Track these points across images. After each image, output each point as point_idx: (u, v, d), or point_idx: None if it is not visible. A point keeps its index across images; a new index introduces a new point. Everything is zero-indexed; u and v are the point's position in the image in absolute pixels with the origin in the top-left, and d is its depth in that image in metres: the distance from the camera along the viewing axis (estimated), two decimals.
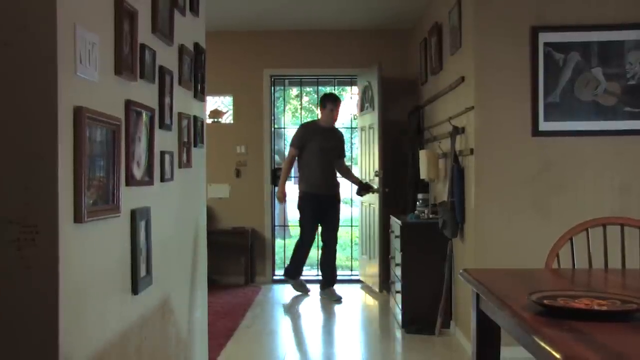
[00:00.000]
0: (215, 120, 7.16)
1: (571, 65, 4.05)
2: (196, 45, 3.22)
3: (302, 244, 6.24)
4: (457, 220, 4.41)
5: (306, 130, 6.26)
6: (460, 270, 2.36)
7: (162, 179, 2.58)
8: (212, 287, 6.29)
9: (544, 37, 4.05)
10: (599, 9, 4.06)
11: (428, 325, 4.75)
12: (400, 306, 4.99)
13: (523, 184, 4.08)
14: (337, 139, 6.31)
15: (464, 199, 4.37)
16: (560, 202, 4.06)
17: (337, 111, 6.23)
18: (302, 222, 6.23)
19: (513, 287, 2.08)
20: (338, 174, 6.37)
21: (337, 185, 6.30)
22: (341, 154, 6.34)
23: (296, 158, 6.28)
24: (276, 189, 7.33)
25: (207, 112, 7.09)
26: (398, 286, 5.07)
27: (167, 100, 2.62)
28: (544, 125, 4.07)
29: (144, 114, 2.30)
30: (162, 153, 2.58)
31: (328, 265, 6.29)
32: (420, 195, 5.38)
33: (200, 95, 3.32)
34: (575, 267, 2.55)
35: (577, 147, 4.08)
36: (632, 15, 4.05)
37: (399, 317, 5.00)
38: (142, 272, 2.25)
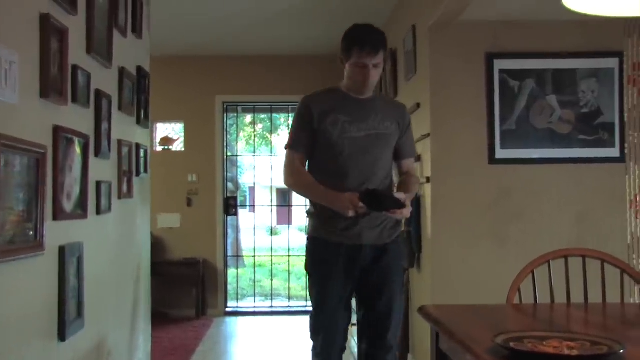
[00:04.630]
0: (166, 147, 6.95)
1: (526, 93, 4.01)
2: (139, 68, 3.05)
3: (315, 352, 2.83)
4: (413, 250, 4.30)
5: (315, 107, 2.73)
6: (418, 308, 2.22)
7: (98, 212, 2.38)
8: (161, 321, 6.05)
9: (499, 64, 4.01)
10: (553, 37, 4.04)
11: None
12: (355, 339, 4.82)
13: (480, 213, 4.00)
14: (387, 117, 2.76)
15: (421, 228, 4.26)
16: (518, 231, 3.98)
17: (372, 63, 2.63)
18: (313, 302, 2.85)
19: (475, 327, 1.94)
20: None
21: (391, 218, 2.69)
22: (403, 148, 2.84)
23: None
24: (229, 218, 7.13)
25: (157, 139, 6.90)
26: (354, 317, 4.90)
27: (104, 126, 2.44)
28: (500, 153, 4.00)
29: (76, 141, 2.12)
30: (98, 183, 2.39)
31: None
32: None
33: (144, 121, 3.15)
34: (538, 301, 2.44)
35: (534, 175, 4.02)
36: (584, 44, 4.04)
37: (354, 349, 4.82)
38: (72, 314, 2.04)
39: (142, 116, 3.12)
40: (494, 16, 3.94)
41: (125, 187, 2.78)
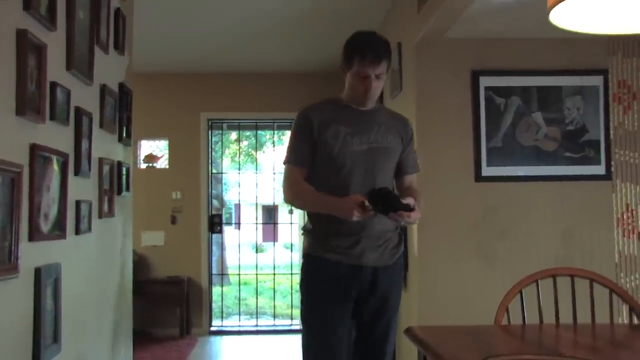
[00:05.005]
0: (150, 164, 6.88)
1: (512, 110, 4.00)
2: (121, 85, 3.00)
3: None
4: None
5: (315, 116, 2.58)
6: (405, 329, 2.18)
7: (77, 231, 2.32)
8: (145, 341, 5.94)
9: (485, 81, 4.01)
10: (538, 54, 4.05)
11: None
12: None
13: (467, 231, 3.97)
14: (390, 129, 2.61)
15: (407, 246, 4.22)
16: (504, 249, 3.96)
17: (375, 73, 2.49)
18: (307, 326, 2.59)
19: (463, 349, 1.90)
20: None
21: (395, 238, 2.62)
22: (406, 163, 2.68)
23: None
24: (214, 236, 7.06)
25: (142, 157, 6.83)
26: None
27: (84, 144, 2.39)
28: (486, 170, 3.99)
29: (54, 160, 2.06)
30: (78, 202, 2.33)
31: None
32: None
33: (125, 139, 3.09)
34: (526, 321, 2.41)
35: (520, 193, 4.01)
36: (568, 61, 4.05)
37: None
38: (48, 338, 1.97)
39: (124, 134, 3.07)
40: (480, 34, 3.94)
41: (106, 206, 2.72)
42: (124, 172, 3.07)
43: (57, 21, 2.05)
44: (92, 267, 2.57)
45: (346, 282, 2.49)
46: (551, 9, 1.59)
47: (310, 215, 2.60)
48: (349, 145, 2.49)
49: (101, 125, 2.65)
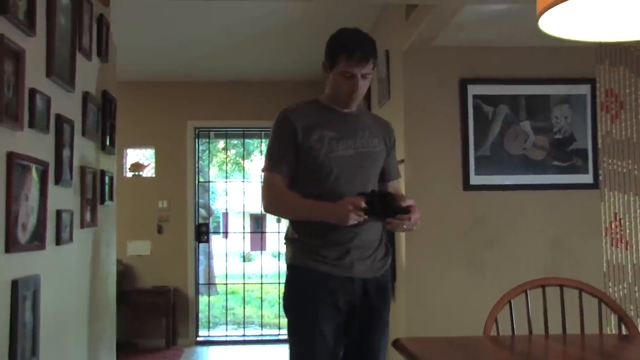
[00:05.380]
0: (136, 173, 6.81)
1: (500, 118, 3.99)
2: (104, 93, 2.95)
3: None
4: None
5: (298, 120, 2.40)
6: (392, 341, 2.14)
7: (58, 242, 2.27)
8: (131, 352, 5.86)
9: (473, 90, 3.99)
10: (526, 63, 4.05)
11: None
12: None
13: (456, 240, 3.95)
14: (374, 134, 2.46)
15: (395, 256, 4.18)
16: (493, 258, 3.94)
17: (361, 73, 2.34)
18: (294, 345, 2.41)
19: None
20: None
21: (382, 248, 2.45)
22: (389, 169, 2.55)
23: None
24: (201, 245, 6.99)
25: (128, 165, 6.76)
26: None
27: (65, 152, 2.33)
28: (475, 179, 3.97)
29: (33, 168, 2.01)
30: (59, 212, 2.28)
31: None
32: None
33: (109, 147, 3.04)
34: (515, 331, 2.38)
35: (509, 202, 3.99)
36: (556, 70, 4.05)
37: None
38: (26, 353, 1.92)
39: (108, 142, 3.01)
40: (468, 42, 3.93)
41: (88, 216, 2.67)
42: (107, 180, 3.02)
43: (37, 26, 2.01)
44: (74, 279, 2.51)
45: (336, 294, 2.31)
46: (540, 16, 1.56)
47: (293, 224, 2.40)
48: (335, 150, 2.32)
49: (83, 133, 2.60)
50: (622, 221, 3.20)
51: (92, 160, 2.76)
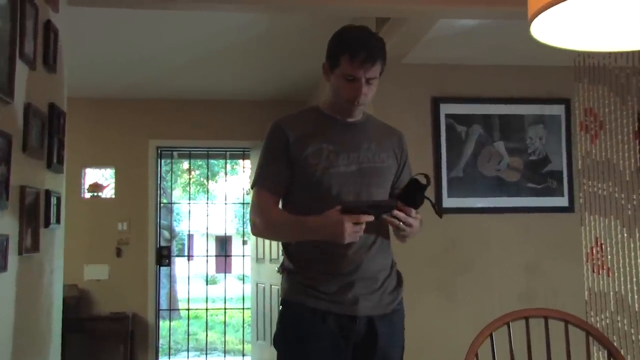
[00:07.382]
0: (95, 194, 6.51)
1: (474, 139, 3.85)
2: (52, 105, 2.70)
3: None
4: None
5: (291, 130, 2.08)
6: None
7: None
8: None
9: (445, 109, 3.85)
10: (499, 82, 3.93)
11: None
12: None
13: (428, 264, 3.78)
14: (382, 146, 2.15)
15: None
16: (466, 283, 3.78)
17: (366, 76, 1.99)
18: None
19: None
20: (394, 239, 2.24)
21: (394, 277, 2.22)
22: (400, 185, 2.16)
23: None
24: (164, 268, 6.70)
25: (86, 185, 6.47)
26: None
27: (0, 170, 2.09)
28: (447, 202, 3.81)
29: None
30: None
31: None
32: None
33: (56, 165, 2.78)
34: None
35: (482, 225, 3.84)
36: (530, 89, 3.94)
37: None
38: None
39: (55, 160, 2.76)
40: (440, 59, 3.80)
41: (28, 241, 2.41)
42: (54, 201, 2.76)
43: None
44: (8, 310, 2.25)
45: (336, 337, 1.99)
46: (532, 21, 1.41)
47: (287, 251, 2.10)
48: (334, 165, 2.01)
49: (24, 150, 2.36)
50: (603, 246, 3.07)
51: (35, 179, 2.51)
